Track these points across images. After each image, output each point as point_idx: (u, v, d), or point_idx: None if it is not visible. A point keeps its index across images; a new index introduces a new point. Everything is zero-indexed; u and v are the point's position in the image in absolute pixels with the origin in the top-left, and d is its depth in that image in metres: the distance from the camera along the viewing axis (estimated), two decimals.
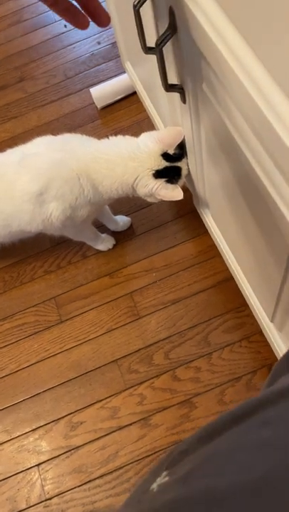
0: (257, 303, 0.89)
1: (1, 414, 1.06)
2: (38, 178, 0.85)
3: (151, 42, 0.66)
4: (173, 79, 0.67)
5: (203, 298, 1.10)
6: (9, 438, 1.03)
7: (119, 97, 1.40)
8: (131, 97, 1.40)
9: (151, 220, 1.22)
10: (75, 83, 1.49)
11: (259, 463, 0.29)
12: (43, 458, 1.00)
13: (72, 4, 0.53)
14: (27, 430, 1.04)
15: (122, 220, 1.20)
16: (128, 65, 1.21)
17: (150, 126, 1.33)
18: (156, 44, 0.58)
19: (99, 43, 1.55)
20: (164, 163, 0.83)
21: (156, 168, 0.83)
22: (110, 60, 1.51)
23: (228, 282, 1.10)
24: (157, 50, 0.59)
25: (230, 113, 0.53)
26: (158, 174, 0.84)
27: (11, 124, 1.46)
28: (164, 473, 0.35)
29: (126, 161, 0.84)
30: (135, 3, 0.60)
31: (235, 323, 1.05)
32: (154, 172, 0.84)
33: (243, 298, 1.03)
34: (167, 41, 0.58)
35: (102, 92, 1.40)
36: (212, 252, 1.14)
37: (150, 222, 1.21)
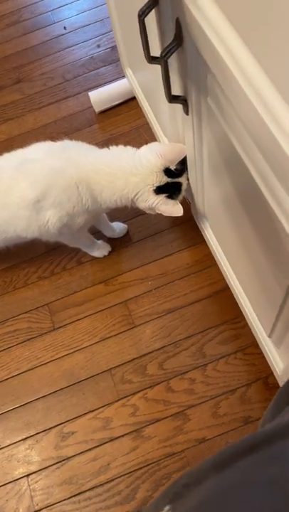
0: (254, 316, 0.88)
1: None
2: (36, 184, 0.83)
3: (154, 51, 0.65)
4: (176, 90, 0.65)
5: (198, 308, 1.09)
6: None
7: (117, 102, 1.39)
8: (130, 102, 1.39)
9: (147, 228, 1.20)
10: (74, 86, 1.48)
11: (266, 505, 0.28)
12: (33, 468, 0.98)
13: None
14: (17, 439, 1.02)
15: (118, 227, 1.18)
16: (128, 71, 1.20)
17: (149, 133, 1.32)
18: (161, 55, 0.57)
19: (98, 46, 1.54)
20: (165, 179, 0.83)
21: (158, 184, 0.83)
22: (110, 64, 1.49)
23: (223, 293, 1.09)
24: (162, 62, 0.58)
25: (235, 127, 0.52)
26: (159, 190, 0.83)
27: (6, 125, 1.44)
28: (167, 507, 0.34)
29: (127, 176, 0.83)
30: (140, 12, 0.59)
31: (231, 334, 1.04)
32: (155, 188, 0.83)
33: (239, 309, 1.02)
34: (173, 53, 0.57)
35: (101, 96, 1.38)
36: (208, 261, 1.13)
37: (146, 230, 1.20)
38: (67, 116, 1.42)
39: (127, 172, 0.83)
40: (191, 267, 1.14)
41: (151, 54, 0.64)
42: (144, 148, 0.86)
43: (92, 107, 1.40)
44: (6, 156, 0.93)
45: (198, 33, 0.47)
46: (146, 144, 1.33)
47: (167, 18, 0.58)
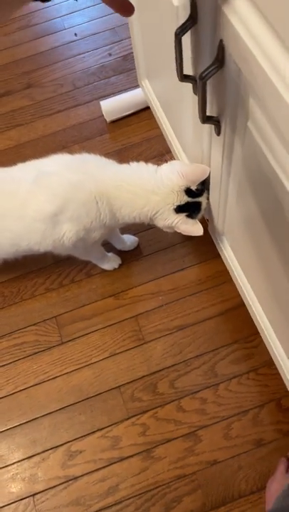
0: (273, 337, 0.86)
1: None
2: (54, 198, 0.81)
3: (187, 69, 0.63)
4: (209, 110, 0.64)
5: (210, 325, 1.07)
6: (3, 465, 0.98)
7: (129, 112, 1.37)
8: (141, 113, 1.38)
9: (159, 242, 1.19)
10: (84, 94, 1.46)
11: None
12: (39, 488, 0.96)
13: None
14: (23, 457, 0.99)
15: (129, 240, 1.16)
16: (145, 83, 1.18)
17: (160, 144, 1.31)
18: (200, 77, 0.56)
19: (110, 55, 1.52)
20: (185, 199, 0.81)
21: (178, 203, 0.81)
22: (121, 74, 1.48)
23: (236, 310, 1.07)
24: (200, 84, 0.56)
25: (277, 152, 0.50)
26: (179, 209, 0.82)
27: (15, 131, 1.41)
28: None
29: (149, 194, 0.81)
30: (178, 31, 0.57)
31: (243, 353, 1.03)
32: (175, 207, 0.82)
33: (252, 328, 1.01)
34: (212, 75, 0.55)
35: (113, 105, 1.37)
36: (221, 278, 1.12)
37: (158, 244, 1.19)
38: (77, 125, 1.41)
39: (149, 190, 0.81)
40: (204, 283, 1.12)
41: (184, 73, 0.63)
42: (166, 166, 0.84)
43: (102, 116, 1.39)
44: (21, 166, 0.90)
45: (247, 58, 0.46)
46: (158, 155, 1.33)
47: (206, 38, 0.57)
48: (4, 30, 1.63)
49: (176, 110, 0.93)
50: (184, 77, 0.65)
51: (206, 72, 0.55)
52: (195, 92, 0.69)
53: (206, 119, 0.63)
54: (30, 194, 0.83)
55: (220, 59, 0.54)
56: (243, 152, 0.61)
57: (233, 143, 0.64)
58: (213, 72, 0.55)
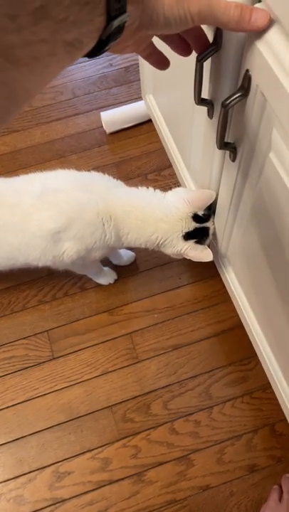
0: (272, 360, 0.86)
1: None
2: (59, 216, 0.79)
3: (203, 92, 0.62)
4: (226, 136, 0.63)
5: (205, 346, 1.06)
6: None
7: (129, 125, 1.36)
8: (142, 126, 1.37)
9: (155, 258, 1.17)
10: (84, 103, 1.44)
11: None
12: (25, 510, 0.92)
13: (161, 54, 0.50)
14: (8, 477, 0.95)
15: (126, 255, 1.15)
16: (150, 98, 1.17)
17: (160, 159, 1.30)
18: (222, 105, 0.55)
19: (111, 65, 1.51)
20: (193, 225, 0.81)
21: (187, 230, 0.80)
22: (122, 85, 1.46)
23: (232, 332, 1.06)
24: (222, 111, 0.55)
25: None
26: (187, 236, 0.81)
27: (11, 137, 1.38)
28: None
29: (158, 222, 0.80)
30: (200, 57, 0.56)
31: (238, 376, 1.02)
32: (183, 234, 0.81)
33: (247, 350, 1.00)
34: (236, 103, 0.54)
35: (113, 117, 1.35)
36: (218, 297, 1.11)
37: (154, 260, 1.17)
38: (76, 134, 1.38)
39: (158, 218, 0.80)
40: (200, 303, 1.11)
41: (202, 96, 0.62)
42: (171, 194, 0.83)
43: (101, 126, 1.37)
44: (25, 178, 0.88)
45: (278, 93, 0.45)
46: (157, 170, 1.32)
47: (229, 65, 0.56)
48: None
49: (183, 130, 0.93)
50: (201, 101, 0.64)
51: (229, 100, 0.54)
52: (210, 115, 0.69)
53: (223, 145, 0.62)
54: (33, 209, 0.80)
55: (245, 88, 0.53)
56: (260, 182, 0.61)
57: (249, 171, 0.63)
58: (237, 100, 0.54)
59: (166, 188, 1.27)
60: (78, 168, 1.26)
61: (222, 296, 1.10)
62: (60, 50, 0.29)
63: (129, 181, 1.28)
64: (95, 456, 0.96)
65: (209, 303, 1.11)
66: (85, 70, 1.51)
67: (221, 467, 0.94)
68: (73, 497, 0.93)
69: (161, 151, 1.29)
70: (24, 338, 1.09)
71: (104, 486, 0.93)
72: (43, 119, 1.42)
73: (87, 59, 1.52)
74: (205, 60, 0.57)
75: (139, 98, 1.33)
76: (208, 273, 1.12)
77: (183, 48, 0.50)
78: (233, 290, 0.94)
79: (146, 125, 1.36)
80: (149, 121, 1.33)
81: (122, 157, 1.33)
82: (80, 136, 1.38)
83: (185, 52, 0.51)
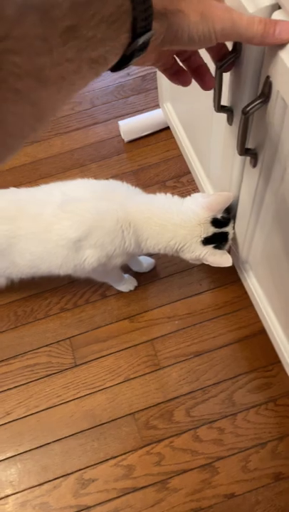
0: None
1: (5, 464, 0.98)
2: (79, 225, 0.80)
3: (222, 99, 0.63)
4: (247, 142, 0.63)
5: (228, 352, 1.05)
6: (14, 491, 0.95)
7: (147, 133, 1.37)
8: (159, 134, 1.38)
9: (175, 264, 1.17)
10: (102, 113, 1.46)
11: None
12: None
13: (181, 68, 0.51)
14: (33, 484, 0.96)
15: (146, 262, 1.15)
16: (167, 106, 1.18)
17: (178, 166, 1.30)
18: (243, 112, 0.55)
19: (128, 74, 1.53)
20: (212, 230, 0.81)
21: (205, 235, 0.81)
22: (140, 93, 1.48)
23: (254, 338, 1.06)
24: (242, 118, 0.56)
25: None
26: (206, 241, 0.81)
27: (32, 148, 1.41)
28: None
29: (177, 228, 0.81)
30: (219, 65, 0.56)
31: (262, 382, 1.01)
32: (202, 239, 0.81)
33: (271, 356, 0.99)
34: (257, 110, 0.55)
35: (131, 125, 1.37)
36: (239, 303, 1.10)
37: (174, 266, 1.17)
38: (95, 143, 1.40)
39: (176, 224, 0.81)
40: (221, 309, 1.11)
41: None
42: (189, 200, 0.84)
43: (120, 135, 1.39)
44: (45, 188, 0.89)
45: None
46: (176, 177, 1.32)
47: (249, 72, 0.56)
48: None
49: (202, 136, 0.93)
50: (220, 108, 0.64)
51: (250, 107, 0.55)
52: (230, 122, 0.69)
53: (244, 151, 0.62)
54: (55, 218, 0.82)
55: (266, 94, 0.54)
56: (282, 187, 0.60)
57: (270, 176, 0.63)
58: (258, 107, 0.55)
59: (184, 194, 1.28)
60: (97, 176, 1.28)
61: (243, 302, 1.09)
62: (85, 68, 0.29)
63: (148, 188, 1.29)
64: (119, 464, 0.96)
65: (230, 309, 1.10)
66: (102, 80, 1.53)
67: (246, 475, 0.93)
68: (98, 504, 0.93)
69: (179, 158, 1.29)
70: (47, 346, 1.10)
71: (128, 493, 0.93)
72: (63, 129, 1.44)
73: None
74: (225, 69, 0.58)
75: (156, 106, 1.34)
76: (229, 279, 1.12)
77: (183, 78, 0.50)
78: (255, 296, 0.93)
79: (163, 133, 1.37)
80: (166, 128, 1.33)
81: (140, 165, 1.34)
82: (99, 145, 1.40)
83: (185, 82, 0.50)
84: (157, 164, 1.34)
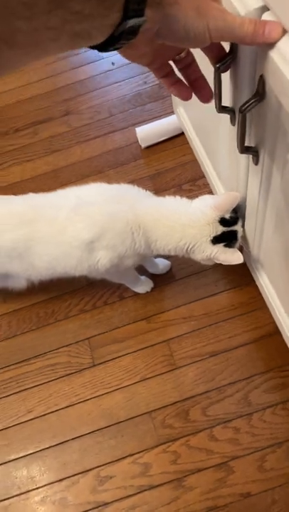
0: None
1: (27, 460, 1.01)
2: (92, 227, 0.83)
3: (225, 101, 0.65)
4: (248, 141, 0.65)
5: (243, 352, 1.05)
6: (34, 487, 0.99)
7: (163, 138, 1.40)
8: (175, 139, 1.40)
9: (191, 266, 1.19)
10: (120, 121, 1.50)
11: None
12: None
13: (180, 80, 0.52)
14: (53, 480, 0.99)
15: (162, 264, 1.17)
16: (180, 111, 1.21)
17: (194, 170, 1.32)
18: (239, 110, 0.57)
19: (145, 83, 1.57)
20: (220, 229, 0.82)
21: (214, 234, 0.82)
22: (156, 101, 1.51)
23: (270, 338, 1.06)
24: (239, 116, 0.57)
25: None
26: (215, 240, 0.83)
27: (53, 157, 1.46)
28: None
29: (185, 229, 0.83)
30: (218, 65, 0.58)
31: (278, 383, 1.01)
32: (211, 238, 0.82)
33: (286, 357, 0.99)
34: (252, 108, 0.56)
35: (148, 131, 1.40)
36: (254, 304, 1.10)
37: (190, 268, 1.19)
38: (113, 150, 1.44)
39: (185, 224, 0.83)
40: (236, 309, 1.11)
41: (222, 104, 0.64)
42: (197, 201, 0.86)
43: (137, 141, 1.42)
44: (61, 193, 0.93)
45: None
46: (192, 180, 1.34)
47: (245, 72, 0.58)
48: (46, 59, 1.70)
49: (211, 138, 0.95)
50: (222, 109, 0.66)
51: (245, 106, 0.57)
52: (232, 123, 0.71)
53: (244, 149, 0.64)
54: (69, 221, 0.85)
55: (260, 93, 0.55)
56: (283, 183, 0.62)
57: (272, 173, 0.64)
58: (253, 105, 0.56)
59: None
60: (115, 182, 1.32)
61: (259, 303, 1.09)
62: (64, 38, 0.29)
63: (164, 192, 1.31)
64: (136, 461, 0.98)
65: (246, 309, 1.11)
66: (120, 89, 1.58)
67: (262, 475, 0.92)
68: (115, 501, 0.95)
69: (194, 162, 1.31)
70: (67, 346, 1.14)
71: (145, 490, 0.95)
72: (82, 137, 1.49)
73: (122, 79, 1.59)
74: (224, 70, 0.60)
75: (172, 112, 1.37)
76: (245, 280, 1.12)
77: (183, 91, 0.51)
78: (267, 295, 0.94)
79: (179, 138, 1.39)
80: (182, 133, 1.36)
81: (157, 169, 1.37)
82: (117, 152, 1.44)
83: (184, 95, 0.51)
84: (174, 168, 1.36)
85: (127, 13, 0.31)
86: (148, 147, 1.41)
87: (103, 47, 0.34)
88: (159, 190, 1.33)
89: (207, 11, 0.40)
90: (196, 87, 0.51)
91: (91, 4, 0.28)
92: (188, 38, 0.40)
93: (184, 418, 1.00)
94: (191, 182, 1.32)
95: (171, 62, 0.53)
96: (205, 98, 0.52)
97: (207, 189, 1.27)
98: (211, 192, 1.18)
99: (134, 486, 0.95)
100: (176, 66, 0.53)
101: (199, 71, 0.51)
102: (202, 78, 0.51)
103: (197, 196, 1.30)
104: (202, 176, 1.28)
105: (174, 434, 0.99)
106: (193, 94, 0.55)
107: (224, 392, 1.02)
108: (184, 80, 0.53)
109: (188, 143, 1.31)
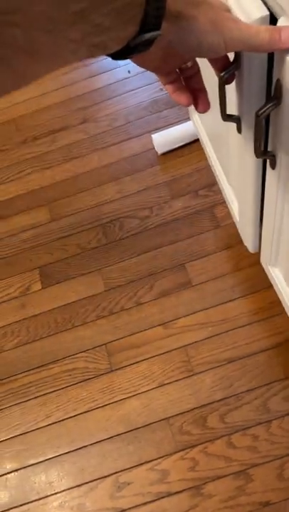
0: None
1: (46, 465, 1.02)
2: None
3: (230, 109, 0.65)
4: (265, 145, 0.65)
5: (262, 359, 1.04)
6: (53, 492, 0.99)
7: (179, 144, 1.41)
8: (191, 145, 1.41)
9: (208, 271, 1.19)
10: (136, 127, 1.51)
11: None
12: None
13: (183, 86, 0.52)
14: (71, 485, 0.99)
15: None
16: (195, 117, 1.21)
17: (210, 175, 1.32)
18: (256, 115, 0.57)
19: (161, 90, 1.58)
20: None
21: None
22: (172, 107, 1.52)
23: None
24: (256, 121, 0.57)
25: None
26: None
27: (71, 164, 1.48)
28: None
29: None
30: (222, 74, 0.58)
31: None
32: None
33: None
34: (269, 112, 0.56)
35: (164, 138, 1.40)
36: (273, 310, 1.09)
37: (207, 273, 1.18)
38: (130, 157, 1.45)
39: None
40: (255, 315, 1.10)
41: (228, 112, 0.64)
42: None
43: (153, 148, 1.43)
44: None
45: None
46: (208, 186, 1.34)
47: (253, 79, 0.58)
48: (62, 69, 1.73)
49: (222, 144, 0.95)
50: (227, 117, 0.66)
51: (262, 111, 0.57)
52: (238, 130, 0.71)
53: (261, 153, 0.64)
54: None
55: (277, 97, 0.55)
56: None
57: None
58: (270, 109, 0.56)
59: (216, 202, 1.30)
60: (131, 188, 1.33)
61: (278, 308, 1.08)
62: (83, 50, 0.29)
63: (180, 198, 1.32)
64: (154, 468, 0.97)
65: (264, 315, 1.10)
66: (136, 96, 1.59)
67: (282, 483, 0.91)
68: (133, 507, 0.94)
69: (210, 168, 1.31)
70: (84, 351, 1.14)
71: (163, 497, 0.94)
72: (100, 144, 1.50)
73: (139, 86, 1.60)
74: (228, 79, 0.60)
75: (188, 118, 1.38)
76: (263, 285, 1.11)
77: (185, 97, 0.51)
78: (286, 300, 0.93)
79: (195, 144, 1.39)
80: (198, 140, 1.36)
81: (173, 176, 1.38)
82: (134, 159, 1.45)
83: (185, 101, 0.51)
84: (190, 174, 1.36)
85: (144, 26, 0.31)
86: (164, 153, 1.42)
87: (116, 56, 0.35)
88: (175, 196, 1.33)
89: (223, 24, 0.40)
90: (194, 97, 0.52)
91: (111, 17, 0.28)
92: (201, 50, 0.41)
93: (202, 425, 0.99)
94: (207, 188, 1.32)
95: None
96: (201, 108, 0.52)
97: (222, 194, 1.26)
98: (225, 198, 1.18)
99: (152, 492, 0.95)
100: (181, 74, 0.53)
101: (202, 82, 0.51)
102: (203, 90, 0.51)
103: (213, 201, 1.31)
104: (217, 181, 1.28)
105: (191, 440, 0.98)
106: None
107: (242, 398, 1.00)
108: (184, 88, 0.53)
109: (203, 149, 1.32)
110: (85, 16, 0.26)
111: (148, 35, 0.32)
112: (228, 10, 0.43)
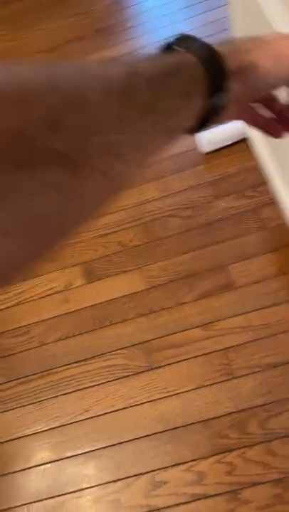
0: None
1: (83, 458, 1.04)
2: None
3: None
4: None
5: None
6: (89, 485, 1.01)
7: (226, 143, 1.39)
8: (237, 144, 1.38)
9: (252, 274, 1.17)
10: None
11: None
12: None
13: (270, 120, 0.48)
14: (107, 480, 1.01)
15: None
16: None
17: (256, 175, 1.30)
18: None
19: None
20: None
21: None
22: None
23: None
24: None
25: None
26: None
27: None
28: None
29: None
30: None
31: None
32: None
33: None
34: None
35: (210, 137, 1.39)
36: None
37: (250, 276, 1.17)
38: (174, 156, 1.44)
39: None
40: None
41: None
42: None
43: (196, 148, 1.41)
44: None
45: None
46: (254, 186, 1.32)
47: None
48: None
49: (283, 145, 0.93)
50: None
51: None
52: None
53: None
54: None
55: None
56: None
57: None
58: None
59: (262, 203, 1.27)
60: (175, 187, 1.32)
61: None
62: (160, 137, 0.29)
63: (225, 198, 1.30)
64: (190, 469, 0.97)
65: None
66: None
67: None
68: (168, 507, 0.95)
69: (257, 168, 1.29)
70: (123, 348, 1.15)
71: (198, 499, 0.94)
72: None
73: None
74: None
75: None
76: None
77: (274, 129, 0.48)
78: None
79: (242, 143, 1.37)
80: (245, 139, 1.34)
81: (218, 175, 1.36)
82: (178, 158, 1.44)
83: (276, 133, 0.49)
84: (236, 174, 1.34)
85: (212, 96, 0.31)
86: (209, 152, 1.40)
87: (195, 129, 0.34)
88: (218, 196, 1.31)
89: (283, 54, 0.38)
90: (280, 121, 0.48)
91: (175, 100, 0.28)
92: (270, 87, 0.39)
93: (240, 429, 0.98)
94: (253, 188, 1.30)
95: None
96: (278, 134, 0.48)
97: (270, 195, 1.24)
98: (272, 199, 1.16)
99: (187, 493, 0.95)
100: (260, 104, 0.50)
101: (282, 104, 0.47)
102: (286, 111, 0.47)
103: (259, 202, 1.28)
104: (264, 182, 1.25)
105: (229, 444, 0.97)
106: None
107: (283, 405, 0.99)
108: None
109: (250, 148, 1.29)
110: (151, 107, 0.26)
111: (219, 102, 0.32)
112: (285, 37, 0.41)
